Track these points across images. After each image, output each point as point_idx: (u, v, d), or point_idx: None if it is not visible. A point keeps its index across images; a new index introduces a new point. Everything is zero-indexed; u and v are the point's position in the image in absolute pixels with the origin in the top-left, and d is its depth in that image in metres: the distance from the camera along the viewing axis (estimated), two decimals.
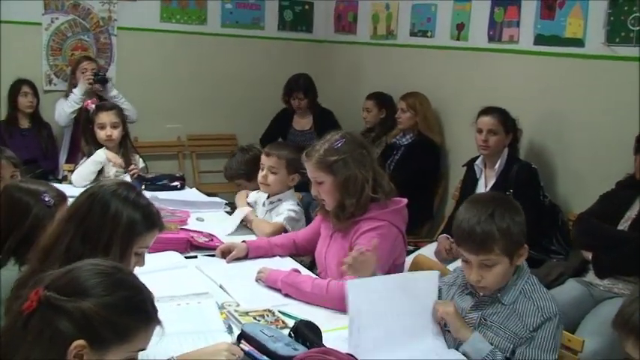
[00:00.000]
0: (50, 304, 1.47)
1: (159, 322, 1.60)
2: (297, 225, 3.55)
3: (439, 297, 2.45)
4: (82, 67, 5.36)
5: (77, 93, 5.25)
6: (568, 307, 3.21)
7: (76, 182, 4.17)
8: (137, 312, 1.55)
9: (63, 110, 5.33)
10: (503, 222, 2.19)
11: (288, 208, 3.58)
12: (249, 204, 3.82)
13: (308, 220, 4.31)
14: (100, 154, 4.25)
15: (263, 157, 3.65)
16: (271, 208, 3.64)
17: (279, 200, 3.63)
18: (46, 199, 2.39)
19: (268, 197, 3.68)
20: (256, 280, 2.80)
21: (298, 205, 3.69)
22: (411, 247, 4.15)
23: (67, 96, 5.42)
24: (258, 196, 3.81)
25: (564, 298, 3.38)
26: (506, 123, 4.21)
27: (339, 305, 2.56)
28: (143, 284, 1.62)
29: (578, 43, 4.23)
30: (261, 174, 3.63)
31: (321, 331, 2.20)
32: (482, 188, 4.27)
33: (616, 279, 3.46)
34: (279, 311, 2.47)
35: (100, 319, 1.47)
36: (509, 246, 2.19)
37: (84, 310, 1.46)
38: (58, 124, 5.48)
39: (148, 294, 1.61)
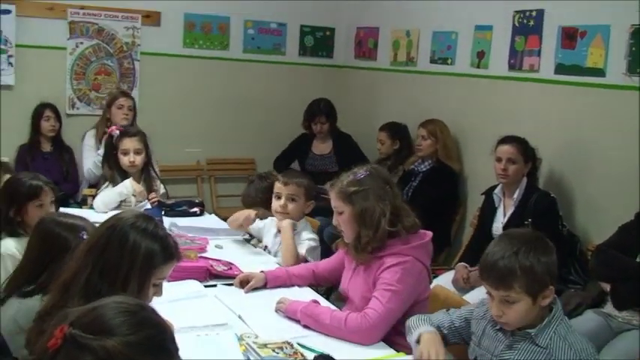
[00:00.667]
0: (75, 341, 1.47)
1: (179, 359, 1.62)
2: (315, 254, 3.57)
3: (469, 330, 2.46)
4: (118, 102, 5.28)
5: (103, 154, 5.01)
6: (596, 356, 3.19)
7: (98, 208, 4.20)
8: (159, 351, 1.55)
9: (91, 171, 5.17)
10: (527, 260, 2.17)
11: (307, 237, 3.58)
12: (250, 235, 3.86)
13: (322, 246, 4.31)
14: (128, 186, 4.26)
15: (280, 187, 3.64)
16: None
17: (295, 230, 3.63)
18: (84, 237, 2.40)
19: None
20: (276, 311, 2.81)
21: (313, 232, 3.70)
22: None
23: (96, 129, 5.36)
24: (269, 224, 3.81)
25: (582, 329, 3.34)
26: (526, 152, 4.21)
27: (357, 338, 2.58)
28: (165, 321, 1.64)
29: (599, 72, 4.23)
30: (278, 203, 3.63)
31: None
32: (500, 217, 4.26)
33: (635, 311, 3.44)
34: (298, 343, 2.47)
35: (123, 357, 1.47)
36: (530, 285, 2.17)
37: (108, 348, 1.46)
38: (87, 178, 5.33)
39: (170, 331, 1.62)
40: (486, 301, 2.41)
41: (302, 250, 3.51)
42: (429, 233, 2.88)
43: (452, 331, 2.50)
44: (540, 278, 2.18)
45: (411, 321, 2.52)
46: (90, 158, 5.30)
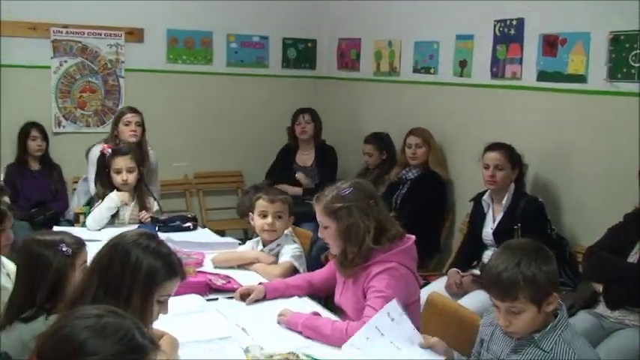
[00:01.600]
0: None
1: (156, 347, 1.62)
2: (302, 261, 3.63)
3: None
4: (125, 119, 5.04)
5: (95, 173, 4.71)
6: None
7: (90, 226, 4.24)
8: (132, 351, 1.55)
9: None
10: (529, 271, 2.22)
11: (291, 247, 3.64)
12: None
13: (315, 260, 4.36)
14: (114, 198, 4.30)
15: (266, 205, 3.66)
16: (273, 255, 3.68)
17: (279, 245, 3.68)
18: (64, 249, 2.43)
19: (265, 246, 3.72)
20: (278, 323, 2.85)
21: (295, 242, 3.74)
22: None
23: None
24: (250, 247, 3.82)
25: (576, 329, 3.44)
26: (512, 158, 4.28)
27: None
28: (127, 316, 1.63)
29: (581, 79, 4.32)
30: (265, 222, 3.65)
31: None
32: (490, 223, 4.33)
33: (627, 310, 3.52)
34: (304, 354, 2.51)
35: None
36: (535, 295, 2.22)
37: None
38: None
39: (139, 326, 1.62)
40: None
41: (286, 258, 3.56)
42: (412, 237, 2.94)
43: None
44: (543, 287, 2.23)
45: None
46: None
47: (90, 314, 1.58)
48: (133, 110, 5.14)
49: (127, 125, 5.01)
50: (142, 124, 5.11)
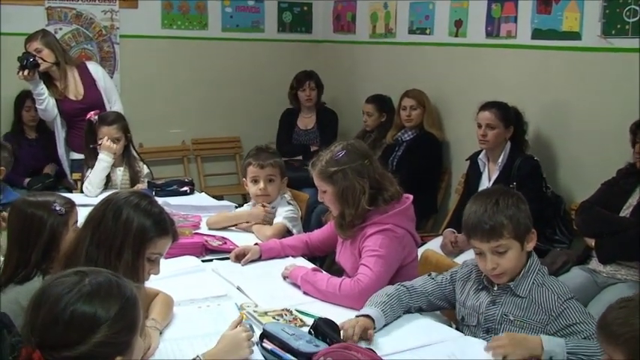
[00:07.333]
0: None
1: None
2: (296, 222, 3.64)
3: (454, 292, 2.55)
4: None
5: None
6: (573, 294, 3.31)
7: (90, 192, 4.24)
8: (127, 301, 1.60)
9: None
10: (509, 209, 2.32)
11: (284, 209, 3.65)
12: None
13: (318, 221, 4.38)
14: (104, 158, 4.27)
15: (256, 170, 3.65)
16: (268, 219, 3.67)
17: (273, 208, 3.69)
18: (57, 208, 2.46)
19: None
20: (283, 277, 2.92)
21: (290, 204, 3.74)
22: None
23: None
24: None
25: (569, 285, 3.38)
26: (506, 117, 4.26)
27: (350, 303, 2.66)
28: (119, 278, 1.66)
29: (575, 36, 4.31)
30: (257, 187, 3.65)
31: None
32: (485, 182, 4.35)
33: (619, 265, 3.56)
34: (297, 310, 2.55)
35: (114, 335, 1.54)
36: (518, 230, 2.31)
37: (98, 342, 1.51)
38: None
39: (125, 283, 1.65)
40: (469, 262, 2.55)
41: (279, 219, 3.58)
42: (409, 197, 2.97)
43: (437, 297, 2.59)
44: (524, 222, 2.34)
45: (382, 290, 2.59)
46: None
47: (90, 282, 1.59)
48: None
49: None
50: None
